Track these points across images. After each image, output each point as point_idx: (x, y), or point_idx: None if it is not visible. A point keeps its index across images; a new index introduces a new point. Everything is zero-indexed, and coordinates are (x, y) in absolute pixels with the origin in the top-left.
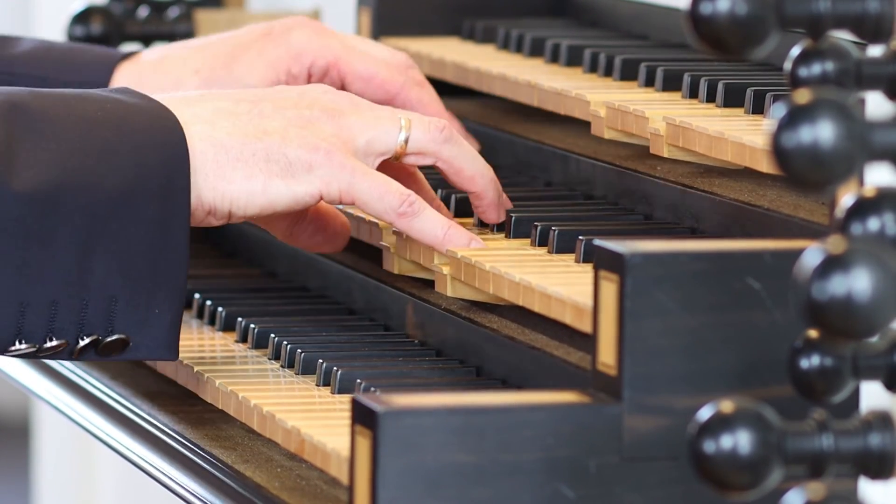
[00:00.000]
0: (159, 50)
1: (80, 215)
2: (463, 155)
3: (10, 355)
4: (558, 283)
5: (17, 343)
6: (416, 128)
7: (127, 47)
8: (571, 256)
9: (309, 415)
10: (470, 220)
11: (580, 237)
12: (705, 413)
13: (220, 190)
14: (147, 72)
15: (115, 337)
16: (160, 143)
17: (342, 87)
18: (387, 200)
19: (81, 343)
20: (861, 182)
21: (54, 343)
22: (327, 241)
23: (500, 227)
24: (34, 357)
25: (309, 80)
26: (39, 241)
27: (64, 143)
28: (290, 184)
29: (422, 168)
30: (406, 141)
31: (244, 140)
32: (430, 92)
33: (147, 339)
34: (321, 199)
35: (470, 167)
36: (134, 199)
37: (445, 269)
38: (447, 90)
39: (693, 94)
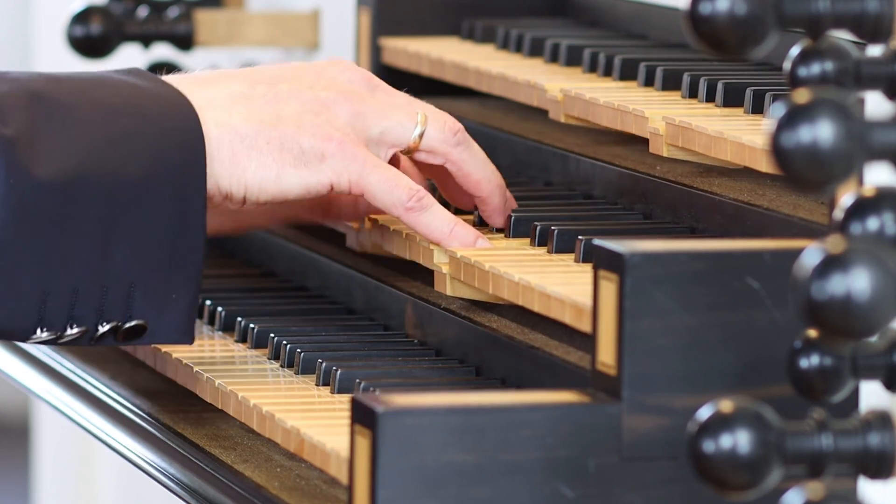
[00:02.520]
0: None
1: (102, 202)
2: (473, 159)
3: (31, 343)
4: (558, 282)
5: (38, 331)
6: (432, 125)
7: (127, 47)
8: (571, 256)
9: (308, 414)
10: (470, 217)
11: (580, 237)
12: (705, 413)
13: (236, 177)
14: None
15: (133, 323)
16: (176, 130)
17: None
18: (396, 194)
19: (101, 329)
20: (860, 182)
21: (75, 330)
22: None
23: (500, 227)
24: (54, 344)
25: None
26: (62, 230)
27: (84, 131)
28: (302, 173)
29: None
30: (420, 136)
31: (259, 127)
32: None
33: (164, 324)
34: (332, 189)
35: (478, 172)
36: (152, 186)
37: (445, 269)
38: (447, 90)
39: (692, 93)
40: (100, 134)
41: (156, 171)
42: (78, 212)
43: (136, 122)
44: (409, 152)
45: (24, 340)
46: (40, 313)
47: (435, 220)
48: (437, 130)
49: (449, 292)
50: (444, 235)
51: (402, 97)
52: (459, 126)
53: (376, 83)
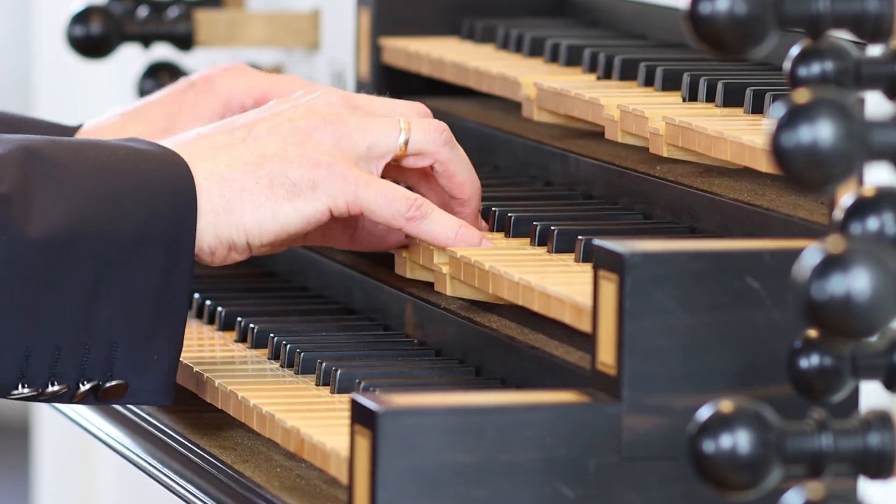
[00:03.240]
0: (98, 120)
1: (92, 261)
2: (459, 160)
3: (11, 398)
4: (558, 282)
5: (20, 387)
6: (416, 129)
7: (127, 47)
8: (571, 256)
9: (308, 414)
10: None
11: (579, 237)
12: (705, 413)
13: (234, 223)
14: None
15: (114, 382)
16: (170, 188)
17: None
18: (394, 206)
19: (82, 388)
20: (860, 182)
21: (56, 388)
22: (387, 232)
23: (500, 227)
24: (35, 400)
25: None
26: (49, 287)
27: (78, 190)
28: (297, 205)
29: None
30: (406, 143)
31: (245, 169)
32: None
33: (145, 384)
34: (331, 214)
35: (462, 173)
36: (144, 245)
37: (445, 269)
38: (447, 90)
39: (692, 93)
40: (93, 191)
41: (147, 229)
42: (67, 270)
43: (130, 182)
44: (397, 161)
45: (4, 396)
46: (22, 369)
47: (437, 226)
48: (423, 132)
49: (449, 292)
50: (448, 240)
51: (385, 108)
52: (444, 126)
53: (356, 101)
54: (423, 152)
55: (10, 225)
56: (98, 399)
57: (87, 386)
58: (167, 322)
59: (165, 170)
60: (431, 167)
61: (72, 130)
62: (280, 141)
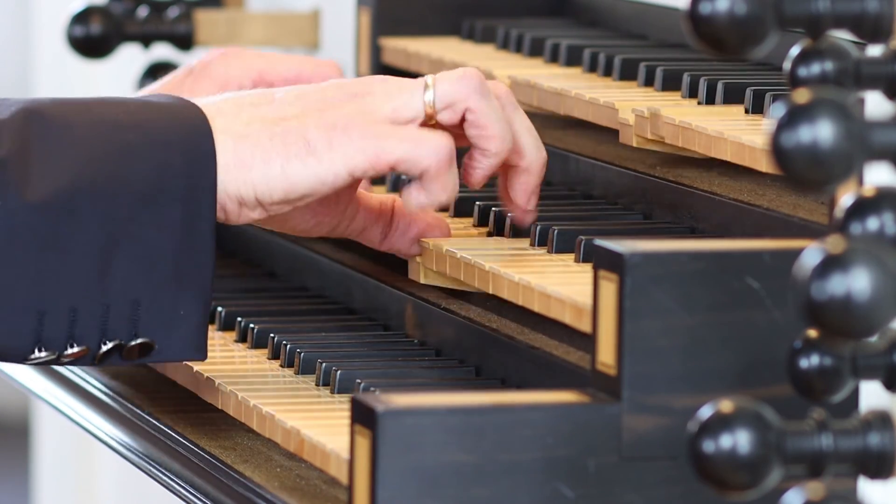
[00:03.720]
0: None
1: (99, 221)
2: (490, 110)
3: (30, 363)
4: (558, 282)
5: (36, 351)
6: (442, 82)
7: (127, 47)
8: (571, 256)
9: (308, 414)
10: (469, 220)
11: (580, 237)
12: (705, 412)
13: (242, 178)
14: None
15: (139, 341)
16: (185, 142)
17: None
18: (422, 148)
19: (104, 348)
20: (860, 182)
21: (75, 350)
22: (414, 241)
23: (500, 228)
24: (55, 364)
25: None
26: (56, 249)
27: (81, 148)
28: (310, 163)
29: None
30: (433, 100)
31: (261, 126)
32: None
33: (173, 342)
34: (351, 176)
35: (494, 127)
36: (156, 202)
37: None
38: None
39: (692, 93)
40: (99, 150)
41: (160, 185)
42: (72, 231)
43: (140, 136)
44: (431, 119)
45: (22, 361)
46: (37, 333)
47: (453, 179)
48: (449, 83)
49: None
50: (453, 194)
51: (415, 80)
52: (475, 73)
53: (387, 77)
54: (453, 103)
55: (7, 189)
56: (123, 359)
57: (109, 346)
58: (192, 278)
59: (180, 122)
60: (464, 117)
61: None
62: (303, 105)
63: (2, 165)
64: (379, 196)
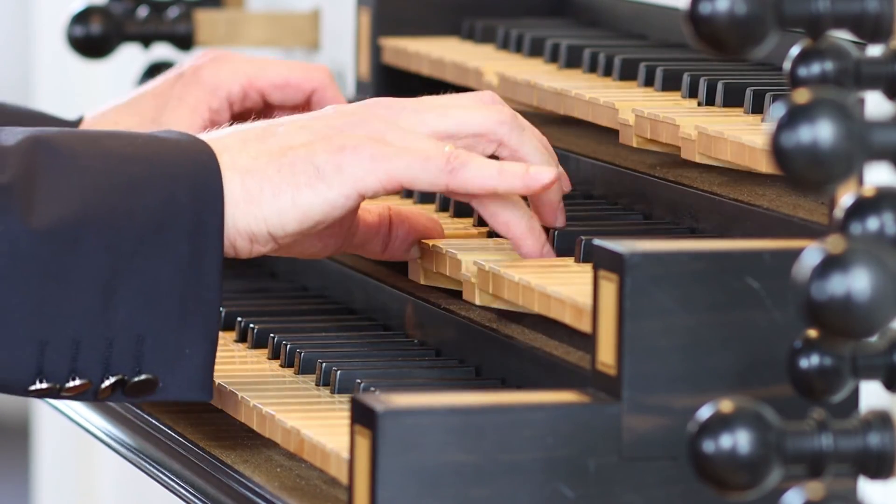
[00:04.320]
0: (95, 113)
1: (103, 252)
2: (525, 141)
3: (29, 395)
4: (558, 283)
5: (37, 382)
6: (477, 112)
7: (127, 47)
8: (571, 256)
9: (308, 415)
10: (469, 220)
11: (580, 237)
12: (705, 413)
13: (253, 214)
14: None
15: (142, 377)
16: (192, 177)
17: (263, 103)
18: (432, 165)
19: (106, 383)
20: (860, 182)
21: (77, 383)
22: (421, 238)
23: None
24: (55, 397)
25: (231, 109)
26: (58, 278)
27: (87, 178)
28: (320, 190)
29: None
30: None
31: (269, 160)
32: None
33: (178, 380)
34: (361, 198)
35: (527, 153)
36: (163, 236)
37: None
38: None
39: (692, 93)
40: (106, 180)
41: (167, 219)
42: (75, 260)
43: (147, 170)
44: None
45: (21, 392)
46: (39, 363)
47: (480, 169)
48: (484, 118)
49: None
50: (494, 178)
51: (436, 105)
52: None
53: (404, 104)
54: (480, 133)
55: (10, 216)
56: (126, 395)
57: (112, 380)
58: (198, 315)
59: (187, 157)
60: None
61: (73, 124)
62: (310, 134)
63: (6, 191)
64: (375, 208)
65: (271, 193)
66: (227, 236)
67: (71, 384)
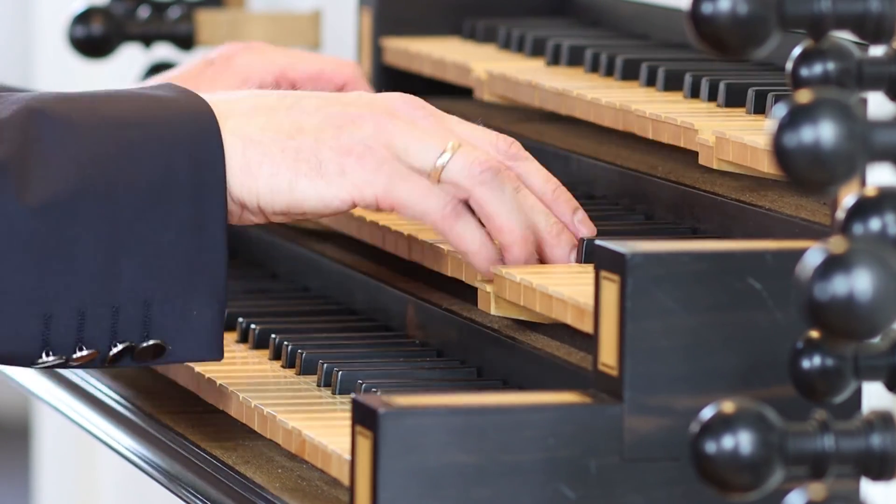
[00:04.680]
0: None
1: (103, 222)
2: (499, 202)
3: (37, 367)
4: (559, 283)
5: (44, 355)
6: (459, 157)
7: (127, 48)
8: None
9: (310, 415)
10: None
11: (581, 238)
12: (706, 413)
13: (247, 185)
14: None
15: (150, 342)
16: (192, 141)
17: None
18: (431, 201)
19: (114, 351)
20: (862, 182)
21: (84, 353)
22: None
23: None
24: (64, 367)
25: None
26: (59, 253)
27: (84, 148)
28: (318, 185)
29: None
30: (442, 166)
31: (275, 136)
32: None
33: (187, 342)
34: (354, 205)
35: (500, 219)
36: (162, 200)
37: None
38: (448, 90)
39: (694, 93)
40: (103, 149)
41: (166, 183)
42: (75, 234)
43: (145, 133)
44: (431, 180)
45: (30, 365)
46: (44, 337)
47: (468, 231)
48: (463, 164)
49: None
50: (473, 247)
51: (445, 123)
52: (492, 165)
53: (421, 105)
54: (458, 184)
55: (5, 195)
56: (135, 360)
57: (120, 347)
58: (204, 277)
59: (186, 120)
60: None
61: None
62: (323, 119)
63: (1, 168)
64: None
65: (270, 171)
66: None
67: (78, 354)
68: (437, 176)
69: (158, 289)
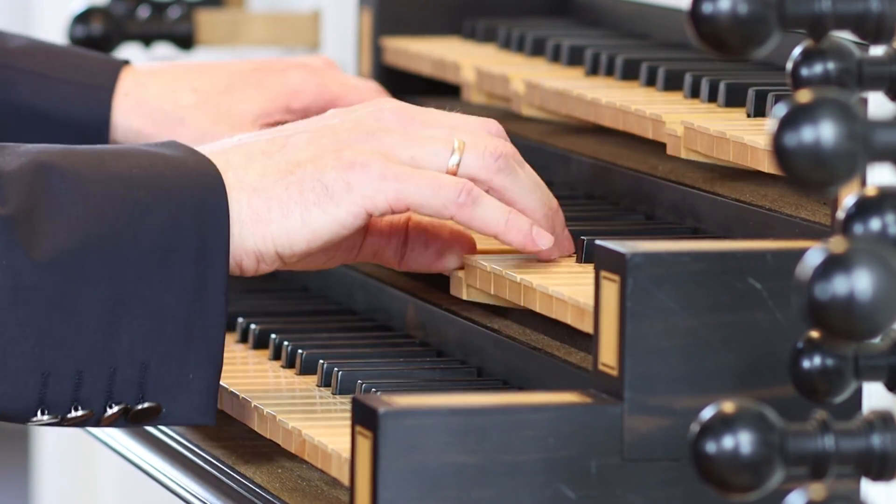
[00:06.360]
0: (155, 63)
1: (107, 280)
2: (517, 186)
3: (31, 425)
4: (559, 283)
5: (38, 413)
6: (471, 152)
7: (127, 48)
8: (572, 257)
9: (309, 416)
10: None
11: (581, 237)
12: (707, 413)
13: (260, 234)
14: (145, 80)
15: (146, 405)
16: (197, 201)
17: None
18: (443, 194)
19: (109, 412)
20: (863, 182)
21: (79, 413)
22: (439, 255)
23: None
24: (58, 426)
25: (303, 116)
26: (61, 310)
27: (91, 206)
28: (329, 209)
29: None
30: (458, 164)
31: (276, 178)
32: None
33: (181, 405)
34: (370, 216)
35: (523, 201)
36: (167, 262)
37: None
38: (448, 90)
39: (694, 93)
40: (109, 208)
41: (172, 245)
42: (79, 291)
43: (152, 194)
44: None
45: (23, 422)
46: (41, 395)
47: (490, 211)
48: (476, 157)
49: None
50: (500, 226)
51: (449, 121)
52: (503, 151)
53: (412, 114)
54: (476, 178)
55: (13, 249)
56: (129, 422)
57: (115, 409)
58: (202, 340)
59: (193, 181)
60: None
61: (118, 64)
62: (317, 149)
63: (8, 223)
64: (391, 217)
65: (280, 213)
66: (234, 256)
67: (73, 414)
68: (455, 173)
69: (157, 351)
